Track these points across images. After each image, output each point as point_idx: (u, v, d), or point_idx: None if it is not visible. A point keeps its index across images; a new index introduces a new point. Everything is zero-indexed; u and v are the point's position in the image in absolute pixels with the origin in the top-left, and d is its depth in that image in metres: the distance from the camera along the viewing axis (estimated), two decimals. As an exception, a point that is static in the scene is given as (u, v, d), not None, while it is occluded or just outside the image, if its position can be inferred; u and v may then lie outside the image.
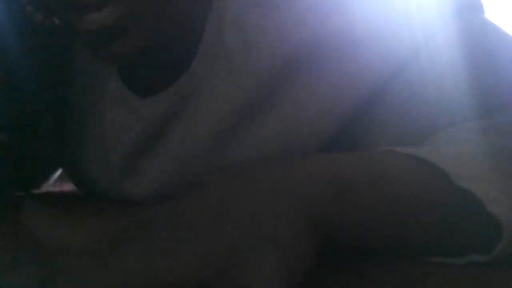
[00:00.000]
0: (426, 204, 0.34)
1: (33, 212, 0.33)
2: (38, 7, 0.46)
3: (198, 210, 0.29)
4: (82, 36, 0.46)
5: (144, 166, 0.56)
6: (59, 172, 0.71)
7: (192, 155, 0.53)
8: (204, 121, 0.52)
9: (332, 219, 0.31)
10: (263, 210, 0.28)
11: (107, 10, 0.44)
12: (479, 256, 0.34)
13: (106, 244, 0.28)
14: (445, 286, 0.32)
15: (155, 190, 0.56)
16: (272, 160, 0.42)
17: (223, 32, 0.50)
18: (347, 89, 0.49)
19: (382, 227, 0.33)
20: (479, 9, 0.53)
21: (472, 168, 0.36)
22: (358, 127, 0.50)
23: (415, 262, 0.35)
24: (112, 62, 0.53)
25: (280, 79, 0.50)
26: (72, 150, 0.62)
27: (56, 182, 0.73)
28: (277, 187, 0.30)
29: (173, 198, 0.31)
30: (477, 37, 0.49)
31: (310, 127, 0.50)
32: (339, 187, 0.32)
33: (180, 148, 0.54)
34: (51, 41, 0.55)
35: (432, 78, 0.48)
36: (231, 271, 0.26)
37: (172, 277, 0.26)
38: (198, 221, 0.28)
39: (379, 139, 0.49)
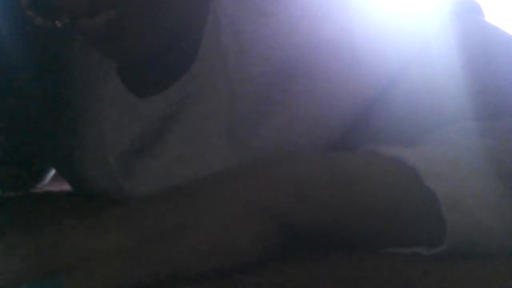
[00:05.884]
0: (390, 204, 0.38)
1: None
2: (38, 11, 0.47)
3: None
4: (81, 37, 0.47)
5: (143, 167, 0.56)
6: (53, 172, 0.71)
7: (192, 156, 0.53)
8: (203, 122, 0.52)
9: (295, 215, 0.36)
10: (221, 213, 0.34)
11: (99, 17, 0.45)
12: (424, 248, 0.37)
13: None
14: (445, 285, 0.32)
15: (154, 191, 0.56)
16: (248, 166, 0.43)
17: (220, 35, 0.50)
18: (344, 97, 0.48)
19: (345, 223, 0.37)
20: (478, 12, 0.53)
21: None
22: (357, 135, 0.49)
23: (415, 262, 0.36)
24: (116, 60, 0.53)
25: (274, 86, 0.49)
26: (69, 151, 0.61)
27: (56, 182, 0.73)
28: (241, 190, 0.36)
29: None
30: (477, 41, 0.49)
31: (307, 137, 0.49)
32: (302, 187, 0.36)
33: (179, 149, 0.54)
34: (50, 42, 0.55)
35: (432, 83, 0.48)
36: None
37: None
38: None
39: None
